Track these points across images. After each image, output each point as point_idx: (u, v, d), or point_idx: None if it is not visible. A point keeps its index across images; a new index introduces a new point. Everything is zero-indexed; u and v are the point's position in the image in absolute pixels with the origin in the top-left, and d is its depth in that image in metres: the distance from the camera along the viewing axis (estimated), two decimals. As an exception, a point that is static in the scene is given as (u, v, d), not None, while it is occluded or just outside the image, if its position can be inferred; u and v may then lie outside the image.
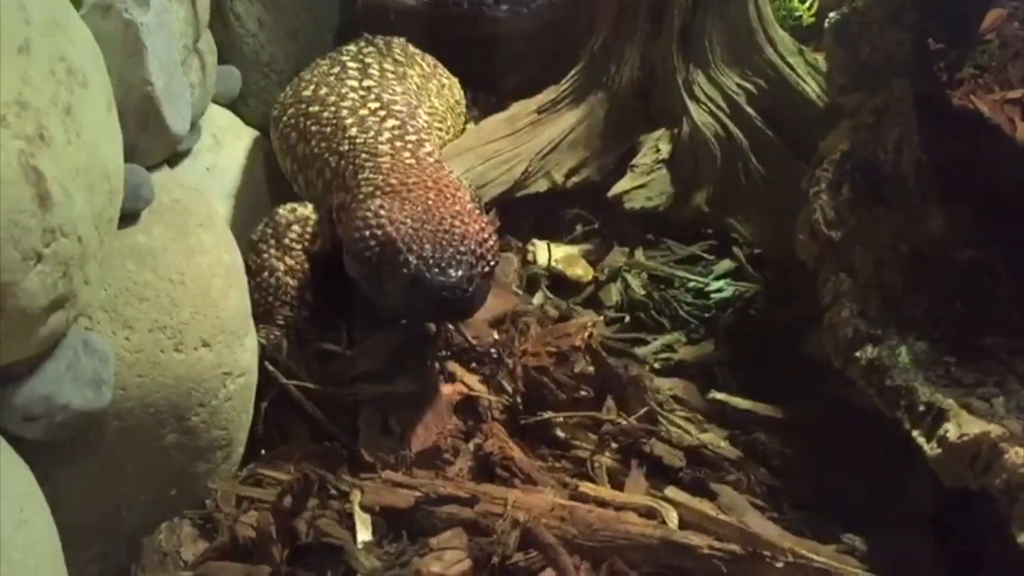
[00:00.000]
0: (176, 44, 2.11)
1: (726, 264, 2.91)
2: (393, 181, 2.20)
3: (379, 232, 2.05)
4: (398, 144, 2.36)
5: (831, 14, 2.33)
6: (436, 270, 1.96)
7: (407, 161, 2.29)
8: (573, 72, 3.07)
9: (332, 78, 2.63)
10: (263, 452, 2.05)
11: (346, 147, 2.40)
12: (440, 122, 2.80)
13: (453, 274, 1.96)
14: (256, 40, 2.75)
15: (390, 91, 2.59)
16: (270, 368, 2.08)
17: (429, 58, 3.02)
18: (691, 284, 2.83)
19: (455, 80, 3.05)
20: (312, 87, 2.61)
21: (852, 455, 2.15)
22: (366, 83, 2.61)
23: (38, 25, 1.49)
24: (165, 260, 1.90)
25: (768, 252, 2.91)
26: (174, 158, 2.28)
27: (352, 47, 2.84)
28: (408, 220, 2.05)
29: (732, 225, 2.99)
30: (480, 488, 1.88)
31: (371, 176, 2.25)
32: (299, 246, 2.35)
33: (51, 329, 1.56)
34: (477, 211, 2.17)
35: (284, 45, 2.83)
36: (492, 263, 2.10)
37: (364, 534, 1.76)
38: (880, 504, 2.05)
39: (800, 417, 2.25)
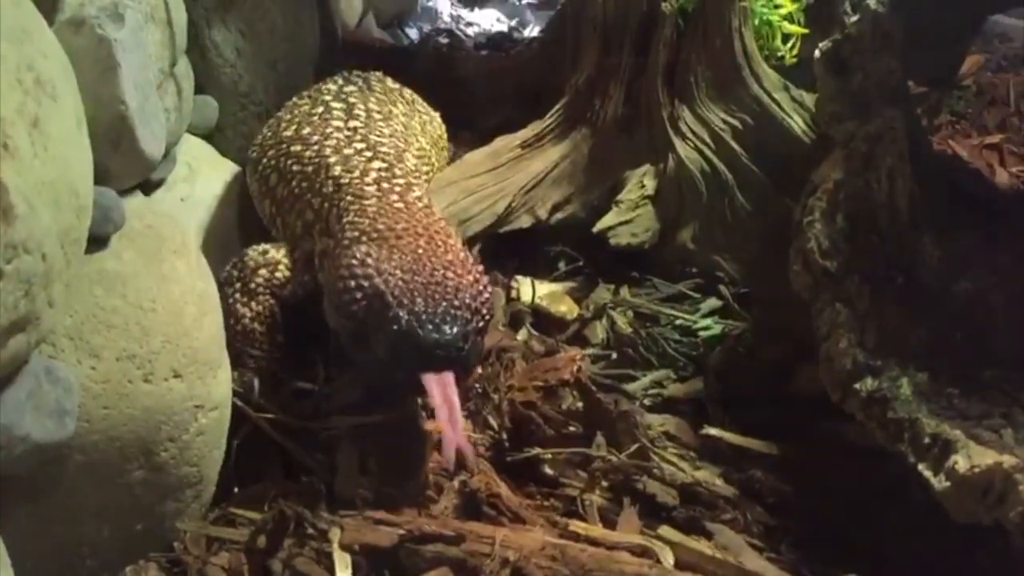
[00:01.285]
0: (152, 67, 2.04)
1: (712, 302, 2.86)
2: (380, 226, 2.08)
3: (366, 284, 1.92)
4: (385, 186, 2.24)
5: (821, 44, 2.30)
6: (429, 326, 1.83)
7: (395, 205, 2.17)
8: (557, 107, 3.04)
9: (316, 118, 2.52)
10: (235, 491, 1.94)
11: (330, 188, 2.28)
12: (427, 164, 2.69)
13: (448, 331, 1.83)
14: (234, 70, 2.69)
15: (377, 132, 2.50)
16: (240, 404, 1.98)
17: (407, 92, 2.93)
18: (678, 322, 2.76)
19: (435, 114, 3.00)
20: (294, 127, 2.50)
21: (850, 493, 2.08)
22: (352, 124, 2.51)
23: (5, 32, 1.42)
24: (135, 286, 1.81)
25: (755, 290, 2.86)
26: (148, 187, 2.21)
27: (332, 85, 2.74)
28: (398, 271, 1.92)
29: (718, 263, 2.94)
30: (466, 526, 1.78)
31: (356, 220, 2.13)
32: (266, 291, 2.24)
33: (11, 353, 1.46)
34: (470, 260, 2.05)
35: (263, 76, 2.78)
36: (487, 317, 1.99)
37: (344, 574, 1.66)
38: (881, 543, 1.97)
39: (795, 454, 2.18)
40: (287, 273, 2.26)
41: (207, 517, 1.90)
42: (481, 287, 1.98)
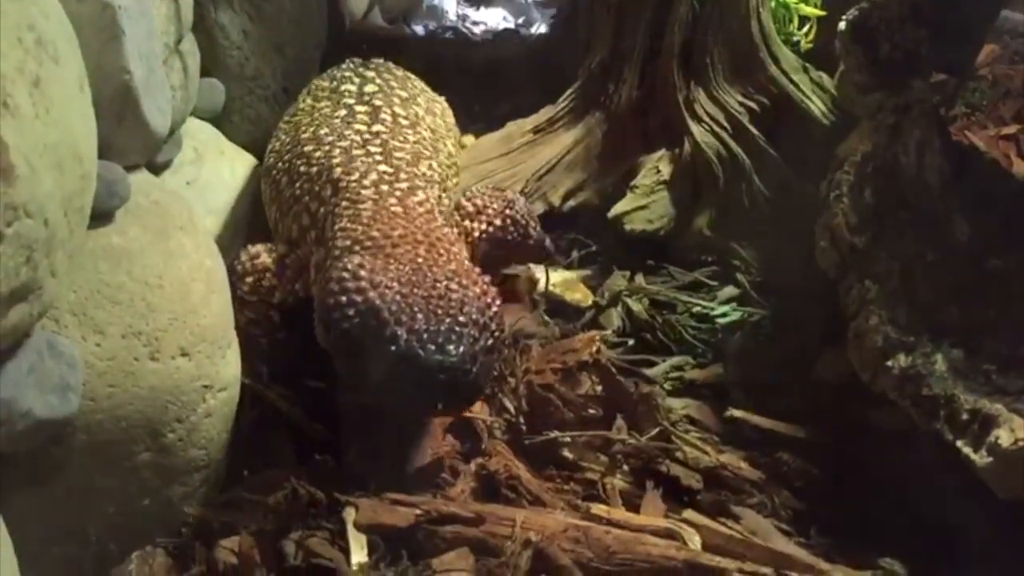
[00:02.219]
0: (157, 39, 1.98)
1: (730, 290, 2.79)
2: (375, 233, 1.89)
3: (359, 298, 1.72)
4: (384, 189, 2.04)
5: (847, 13, 2.24)
6: (432, 347, 1.64)
7: (392, 209, 1.97)
8: (570, 91, 2.98)
9: (337, 120, 2.31)
10: (245, 474, 1.87)
11: (328, 191, 2.09)
12: (453, 167, 2.48)
13: (453, 351, 1.64)
14: (241, 53, 2.63)
15: (400, 138, 2.28)
16: (250, 383, 1.91)
17: (418, 82, 2.77)
18: (695, 309, 2.69)
19: (443, 101, 2.90)
20: (312, 128, 2.31)
21: (879, 477, 2.00)
22: (375, 128, 2.29)
23: (5, -11, 1.36)
24: (141, 262, 1.75)
25: (773, 278, 2.79)
26: (154, 169, 2.15)
27: (351, 86, 2.50)
28: (395, 283, 1.73)
29: (735, 250, 2.87)
30: (486, 508, 1.71)
31: (349, 226, 1.94)
32: (254, 297, 2.10)
33: (12, 324, 1.40)
34: (477, 270, 1.86)
35: (270, 59, 2.72)
36: (497, 334, 1.77)
37: (359, 555, 1.59)
38: (912, 528, 1.90)
39: (822, 438, 2.11)
40: (274, 281, 2.09)
41: (216, 502, 1.83)
42: (489, 299, 1.78)
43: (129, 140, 1.85)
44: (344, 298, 1.74)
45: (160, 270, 1.77)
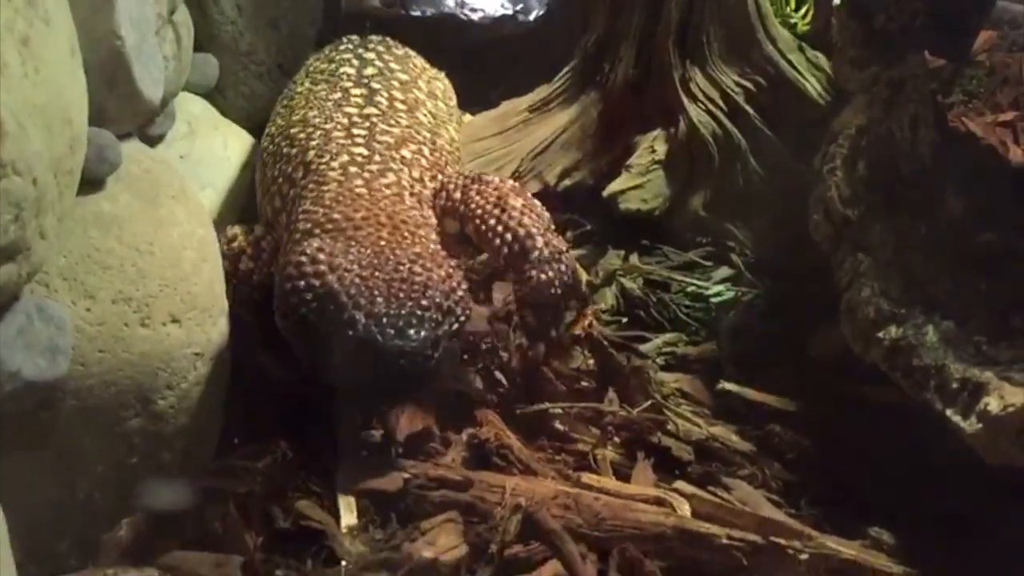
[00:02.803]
0: (150, 6, 1.97)
1: (724, 271, 2.79)
2: (336, 216, 1.83)
3: (316, 282, 1.66)
4: (352, 170, 1.98)
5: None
6: (391, 331, 1.58)
7: (356, 191, 1.91)
8: (565, 70, 2.97)
9: (330, 104, 2.25)
10: (236, 441, 1.87)
11: (300, 173, 2.05)
12: (452, 152, 2.40)
13: (414, 335, 1.59)
14: (235, 27, 2.62)
15: (391, 121, 2.22)
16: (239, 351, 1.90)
17: (419, 60, 2.70)
18: (689, 288, 2.69)
19: (444, 79, 2.82)
20: (304, 111, 2.26)
21: (869, 450, 2.01)
22: (367, 111, 2.23)
23: (-8, -54, 1.35)
24: (132, 229, 1.75)
25: (768, 258, 2.80)
26: (148, 142, 2.14)
27: (349, 68, 2.42)
28: (355, 266, 1.67)
29: (730, 231, 2.87)
30: (476, 475, 1.72)
31: (311, 208, 1.88)
32: (233, 280, 2.02)
33: (1, 283, 1.39)
34: (443, 253, 1.81)
35: (264, 35, 2.71)
36: (461, 318, 1.72)
37: (348, 518, 1.60)
38: (901, 500, 1.90)
39: (813, 411, 2.12)
40: (250, 264, 2.05)
41: (207, 468, 1.82)
42: (455, 283, 1.73)
43: (120, 107, 1.84)
44: (302, 282, 1.68)
45: (151, 237, 1.76)
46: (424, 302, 1.64)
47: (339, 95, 2.28)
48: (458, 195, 2.08)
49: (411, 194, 2.01)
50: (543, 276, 1.97)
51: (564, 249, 2.05)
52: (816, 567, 1.62)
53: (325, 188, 1.93)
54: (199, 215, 1.92)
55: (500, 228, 2.01)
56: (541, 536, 1.59)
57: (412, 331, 1.59)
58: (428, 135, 2.27)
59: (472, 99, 3.20)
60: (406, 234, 1.79)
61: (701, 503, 1.76)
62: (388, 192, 1.93)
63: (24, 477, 1.60)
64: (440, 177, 2.17)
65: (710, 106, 2.86)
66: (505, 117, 2.91)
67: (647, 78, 2.90)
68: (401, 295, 1.63)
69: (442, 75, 2.74)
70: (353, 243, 1.73)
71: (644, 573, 1.54)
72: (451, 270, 1.75)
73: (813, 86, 2.84)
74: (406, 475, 1.66)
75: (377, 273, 1.66)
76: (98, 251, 1.69)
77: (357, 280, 1.65)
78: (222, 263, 1.96)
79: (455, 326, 1.69)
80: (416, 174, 2.09)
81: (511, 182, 2.15)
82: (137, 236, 1.74)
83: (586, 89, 2.95)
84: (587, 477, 1.80)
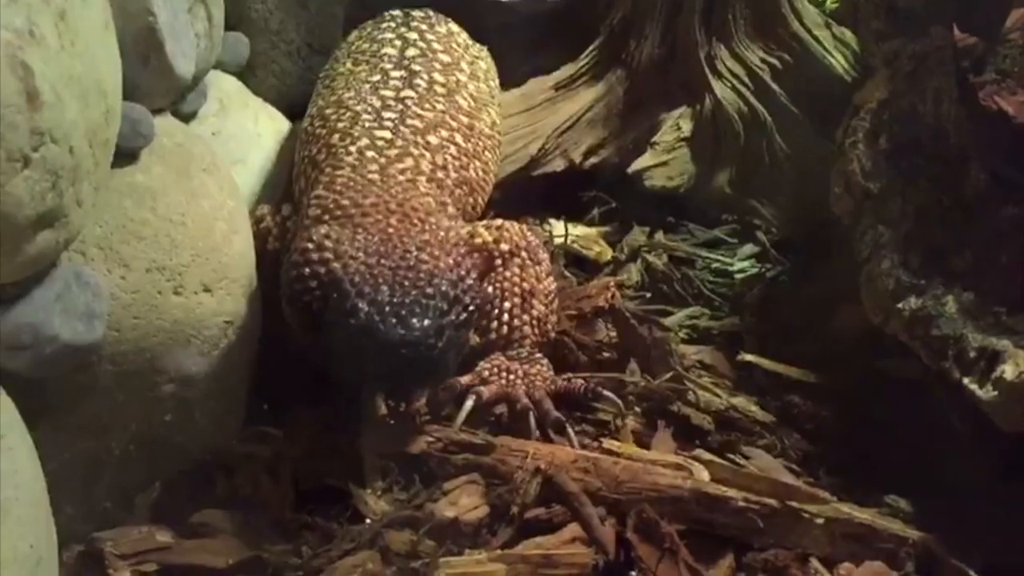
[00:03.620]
0: (182, -14, 2.02)
1: (749, 248, 2.80)
2: (345, 202, 1.81)
3: (321, 269, 1.65)
4: (368, 155, 1.96)
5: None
6: (393, 320, 1.55)
7: (369, 176, 1.89)
8: (591, 48, 2.97)
9: (368, 86, 2.22)
10: (265, 408, 1.92)
11: (322, 155, 2.04)
12: (492, 136, 2.38)
13: (416, 324, 1.56)
14: (265, 7, 2.65)
15: (426, 105, 2.19)
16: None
17: (462, 37, 2.63)
18: (714, 265, 2.71)
19: (487, 57, 2.75)
20: (340, 92, 2.25)
21: (889, 422, 2.02)
22: (404, 93, 2.20)
23: (29, -74, 1.40)
24: (165, 200, 1.80)
25: (794, 236, 2.79)
26: (180, 119, 2.18)
27: (392, 50, 2.37)
28: (360, 254, 1.65)
29: (755, 208, 2.88)
30: (498, 439, 1.75)
31: (322, 194, 1.86)
32: (262, 259, 2.00)
33: (39, 249, 1.45)
34: (453, 241, 1.76)
35: (294, 14, 2.74)
36: (470, 307, 1.68)
37: (373, 479, 1.64)
38: (919, 472, 1.91)
39: (833, 383, 2.13)
40: (276, 244, 2.02)
41: (238, 434, 1.88)
42: (463, 272, 1.69)
43: (153, 82, 1.90)
44: (307, 269, 1.67)
45: (183, 208, 1.81)
46: (429, 290, 1.61)
47: (378, 77, 2.26)
48: (500, 257, 1.98)
49: (429, 180, 1.97)
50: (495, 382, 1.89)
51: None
52: (832, 531, 1.64)
53: (338, 173, 1.92)
54: (230, 188, 1.97)
55: (505, 317, 1.95)
56: (561, 498, 1.63)
57: (415, 320, 1.56)
58: (465, 120, 2.24)
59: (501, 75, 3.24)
60: (416, 221, 1.76)
61: (719, 469, 1.78)
62: (402, 178, 1.90)
63: (63, 437, 1.67)
64: (479, 170, 2.17)
65: (736, 83, 2.86)
66: (531, 95, 2.92)
67: (673, 56, 2.90)
68: (406, 283, 1.61)
69: (485, 52, 2.71)
70: (360, 230, 1.71)
71: (660, 535, 1.57)
72: (460, 258, 1.72)
73: (840, 63, 2.83)
74: (429, 438, 1.69)
75: (383, 261, 1.64)
76: (132, 221, 1.75)
77: (362, 268, 1.63)
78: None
79: (463, 315, 1.65)
80: (440, 160, 2.06)
81: (550, 279, 2.05)
82: (170, 207, 1.80)
83: (612, 67, 2.95)
84: (608, 443, 1.82)
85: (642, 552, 1.55)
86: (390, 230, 1.72)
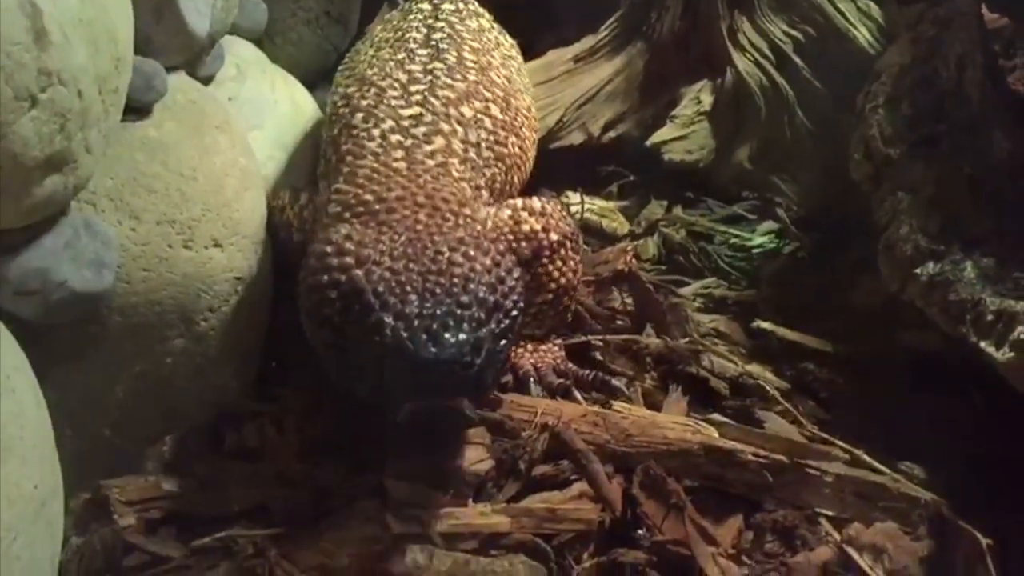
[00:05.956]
0: (197, -57, 2.02)
1: (768, 225, 2.76)
2: (368, 197, 1.61)
3: (341, 277, 1.45)
4: (393, 139, 1.75)
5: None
6: (424, 336, 1.36)
7: (394, 165, 1.68)
8: (612, 20, 2.95)
9: (392, 63, 2.03)
10: (274, 366, 1.92)
11: (343, 138, 1.84)
12: (533, 118, 2.23)
13: (450, 340, 1.36)
14: (284, -27, 2.66)
15: (458, 76, 2.00)
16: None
17: (494, 31, 2.43)
18: (732, 240, 2.67)
19: (518, 54, 2.56)
20: (363, 68, 2.08)
21: (905, 392, 1.99)
22: (432, 65, 2.01)
23: None
24: (177, 155, 1.80)
25: (815, 212, 2.75)
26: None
27: (416, 34, 2.18)
28: (385, 258, 1.45)
29: (776, 184, 2.84)
30: (507, 396, 1.74)
31: (343, 188, 1.66)
32: (282, 248, 1.94)
33: (48, 193, 1.45)
34: (491, 236, 1.59)
35: (313, -21, 2.74)
36: (512, 312, 1.48)
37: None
38: (935, 441, 1.88)
39: (850, 354, 2.10)
40: (299, 237, 1.86)
41: (247, 391, 1.88)
42: (503, 272, 1.50)
43: (167, 39, 1.90)
44: (325, 277, 1.47)
45: (195, 163, 1.81)
46: (464, 298, 1.41)
47: (403, 55, 2.08)
48: (548, 248, 1.85)
49: (462, 161, 1.78)
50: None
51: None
52: (842, 489, 1.62)
53: (359, 163, 1.72)
54: (242, 145, 1.97)
55: (533, 310, 1.85)
56: (568, 455, 1.61)
57: (448, 334, 1.37)
58: (501, 93, 2.06)
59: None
60: (448, 215, 1.57)
61: (731, 430, 1.76)
62: (431, 163, 1.71)
63: (74, 388, 1.67)
64: (517, 146, 2.02)
65: (758, 56, 2.82)
66: (550, 66, 2.91)
67: (694, 28, 2.87)
68: (438, 291, 1.41)
69: (517, 50, 2.53)
70: (385, 230, 1.52)
71: (667, 491, 1.56)
72: (499, 256, 1.52)
73: (864, 35, 2.78)
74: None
75: (411, 265, 1.44)
76: (144, 175, 1.75)
77: (387, 275, 1.43)
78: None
79: (504, 323, 1.46)
80: (474, 137, 1.88)
81: (581, 267, 1.95)
82: (182, 162, 1.80)
83: (632, 40, 2.92)
84: (619, 405, 1.80)
85: (648, 509, 1.54)
86: (419, 227, 1.52)
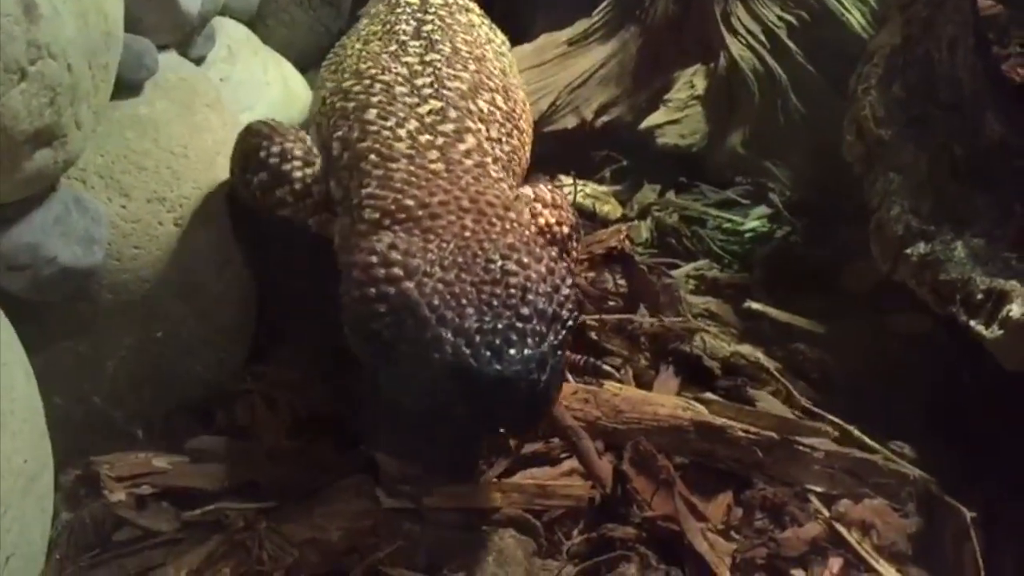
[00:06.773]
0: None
1: (761, 210, 2.75)
2: (409, 202, 1.48)
3: (391, 290, 1.35)
4: (424, 139, 1.62)
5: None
6: (487, 353, 1.26)
7: (432, 167, 1.56)
8: (605, 4, 2.94)
9: (386, 55, 1.92)
10: (268, 346, 1.92)
11: (356, 134, 1.69)
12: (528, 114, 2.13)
13: (515, 356, 1.26)
14: (276, -46, 2.65)
15: (459, 65, 1.91)
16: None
17: (483, 27, 2.34)
18: (725, 225, 2.68)
19: (509, 52, 2.46)
20: (356, 63, 1.95)
21: (896, 373, 1.99)
22: (429, 56, 1.91)
23: None
24: (167, 132, 1.80)
25: (808, 197, 2.75)
26: (187, 63, 2.19)
27: (406, 25, 2.08)
28: (436, 268, 1.35)
29: (769, 170, 2.83)
30: (497, 374, 1.73)
31: (378, 193, 1.53)
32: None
33: (38, 167, 1.45)
34: (540, 241, 1.48)
35: (305, -38, 2.74)
36: (569, 323, 1.38)
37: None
38: (925, 421, 1.89)
39: (841, 335, 2.10)
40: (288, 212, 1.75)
41: (239, 370, 1.88)
42: (558, 280, 1.39)
43: (158, 17, 1.90)
44: (372, 290, 1.36)
45: (185, 141, 1.81)
46: (524, 310, 1.31)
47: (395, 47, 1.97)
48: (562, 241, 1.80)
49: (495, 160, 1.68)
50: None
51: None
52: (832, 466, 1.63)
53: (393, 167, 1.57)
54: (233, 124, 1.96)
55: None
56: (558, 432, 1.61)
57: (513, 350, 1.27)
58: (499, 82, 1.97)
59: (512, 37, 3.21)
60: (494, 220, 1.46)
61: (722, 408, 1.76)
62: (469, 163, 1.59)
63: (64, 366, 1.67)
64: (519, 138, 1.92)
65: (752, 41, 2.81)
66: (543, 50, 2.90)
67: (688, 12, 2.86)
68: (495, 303, 1.31)
69: (507, 47, 2.44)
70: (432, 237, 1.41)
71: (657, 467, 1.56)
72: (552, 263, 1.41)
73: (857, 20, 2.78)
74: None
75: (464, 275, 1.34)
76: (134, 152, 1.75)
77: (440, 287, 1.33)
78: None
79: (562, 334, 1.35)
80: (495, 133, 1.78)
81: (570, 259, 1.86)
82: (172, 139, 1.80)
83: (626, 23, 2.91)
84: (611, 385, 1.81)
85: (638, 485, 1.54)
86: (467, 234, 1.42)
